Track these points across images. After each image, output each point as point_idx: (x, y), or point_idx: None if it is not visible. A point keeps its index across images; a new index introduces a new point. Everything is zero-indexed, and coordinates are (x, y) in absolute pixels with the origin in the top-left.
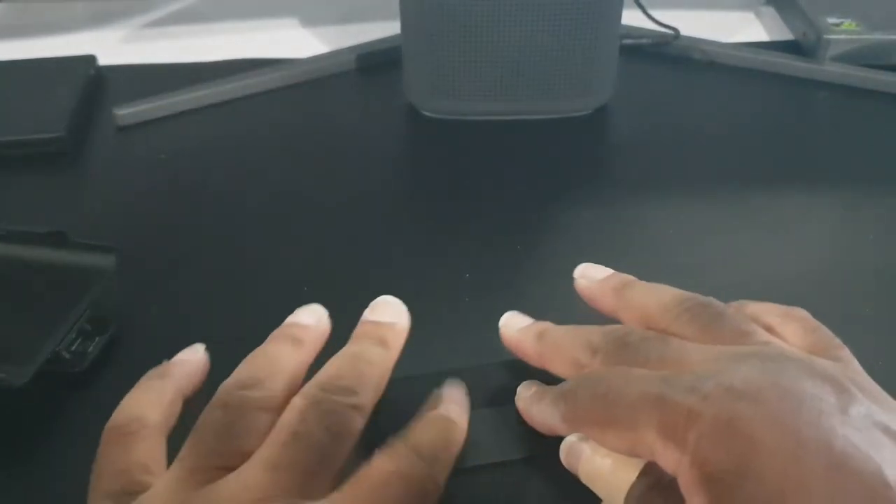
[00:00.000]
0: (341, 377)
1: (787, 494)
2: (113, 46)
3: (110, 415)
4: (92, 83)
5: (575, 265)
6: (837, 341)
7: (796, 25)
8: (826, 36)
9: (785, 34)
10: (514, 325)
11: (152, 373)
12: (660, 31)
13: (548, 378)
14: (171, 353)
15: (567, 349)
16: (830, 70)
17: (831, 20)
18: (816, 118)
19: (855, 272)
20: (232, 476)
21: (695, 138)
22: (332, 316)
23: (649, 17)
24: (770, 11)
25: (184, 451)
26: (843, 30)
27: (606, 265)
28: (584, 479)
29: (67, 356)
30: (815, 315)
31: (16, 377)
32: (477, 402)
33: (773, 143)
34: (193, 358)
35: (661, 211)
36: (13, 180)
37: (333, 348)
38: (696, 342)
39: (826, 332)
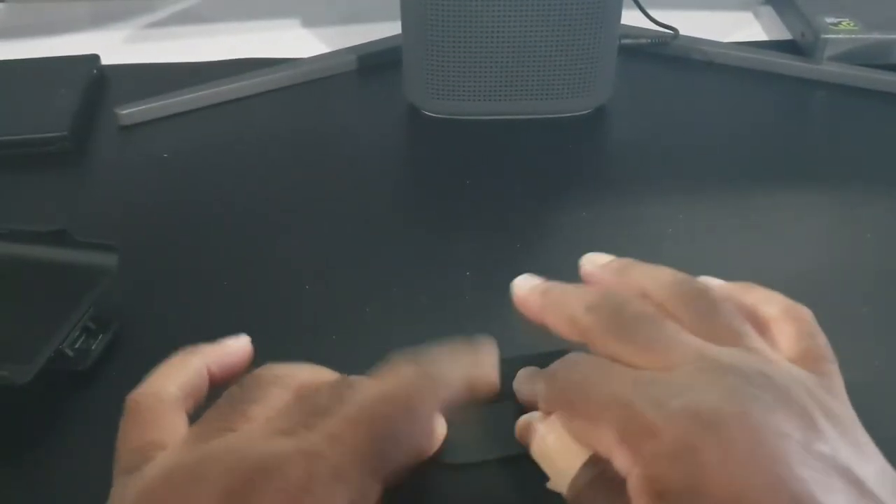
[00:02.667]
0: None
1: None
2: (116, 46)
3: (114, 412)
4: (95, 83)
5: (574, 264)
6: (829, 354)
7: (794, 25)
8: (824, 35)
9: (783, 34)
10: (525, 286)
11: (183, 350)
12: (659, 31)
13: None
14: (173, 351)
15: (566, 305)
16: (828, 69)
17: (829, 20)
18: (814, 118)
19: (853, 271)
20: (234, 433)
21: (693, 138)
22: (333, 314)
23: (648, 17)
24: (768, 11)
25: (198, 421)
26: (841, 29)
27: None
28: (535, 457)
29: (70, 354)
30: (813, 314)
31: (19, 375)
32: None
33: (771, 142)
34: (231, 341)
35: (659, 210)
36: (16, 179)
37: (337, 345)
38: (687, 330)
39: (821, 340)
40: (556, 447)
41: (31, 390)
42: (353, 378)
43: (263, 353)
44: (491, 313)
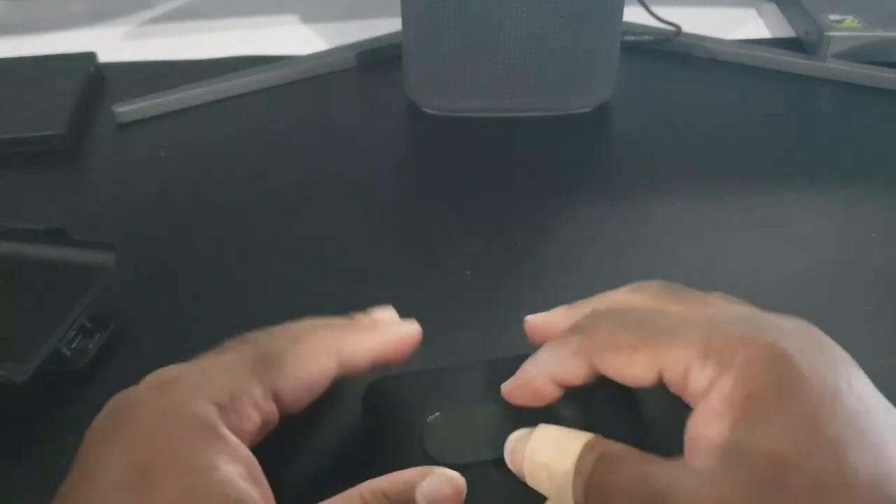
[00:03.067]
0: None
1: (821, 420)
2: (113, 43)
3: None
4: (92, 80)
5: (576, 261)
6: None
7: (798, 22)
8: (828, 33)
9: (787, 31)
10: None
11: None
12: (661, 28)
13: None
14: (171, 350)
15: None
16: (832, 67)
17: (833, 17)
18: (818, 115)
19: (857, 270)
20: None
21: (696, 135)
22: (334, 311)
23: (651, 13)
24: (772, 8)
25: None
26: (845, 27)
27: (607, 262)
28: (529, 480)
29: (67, 354)
30: (817, 312)
31: (16, 375)
32: (476, 399)
33: (774, 140)
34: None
35: (662, 208)
36: (13, 178)
37: None
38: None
39: None
40: (546, 456)
41: (28, 390)
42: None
43: None
44: (491, 312)
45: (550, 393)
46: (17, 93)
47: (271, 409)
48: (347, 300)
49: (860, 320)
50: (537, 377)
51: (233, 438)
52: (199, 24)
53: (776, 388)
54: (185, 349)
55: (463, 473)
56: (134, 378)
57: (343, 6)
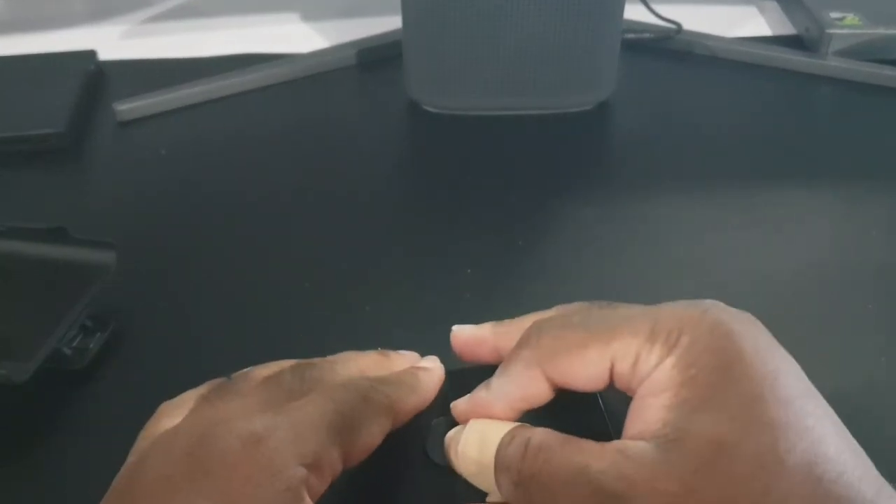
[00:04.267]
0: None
1: (760, 402)
2: (113, 42)
3: (112, 411)
4: (92, 79)
5: (576, 260)
6: None
7: (799, 20)
8: (829, 31)
9: (787, 29)
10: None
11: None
12: (662, 26)
13: None
14: (171, 350)
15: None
16: (833, 65)
17: (834, 15)
18: (819, 113)
19: (857, 268)
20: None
21: (697, 133)
22: (334, 310)
23: (652, 11)
24: (773, 6)
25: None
26: (846, 24)
27: (607, 260)
28: (470, 479)
29: (68, 353)
30: (818, 311)
31: (17, 374)
32: None
33: (775, 138)
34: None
35: (662, 206)
36: (13, 176)
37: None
38: None
39: None
40: (472, 450)
41: (29, 389)
42: (314, 360)
43: (262, 351)
44: (492, 311)
45: (506, 417)
46: (18, 91)
47: (340, 469)
48: (348, 299)
49: (861, 318)
50: (492, 404)
51: (309, 502)
52: (199, 23)
53: (718, 370)
54: (185, 348)
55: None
56: (134, 377)
57: (343, 4)
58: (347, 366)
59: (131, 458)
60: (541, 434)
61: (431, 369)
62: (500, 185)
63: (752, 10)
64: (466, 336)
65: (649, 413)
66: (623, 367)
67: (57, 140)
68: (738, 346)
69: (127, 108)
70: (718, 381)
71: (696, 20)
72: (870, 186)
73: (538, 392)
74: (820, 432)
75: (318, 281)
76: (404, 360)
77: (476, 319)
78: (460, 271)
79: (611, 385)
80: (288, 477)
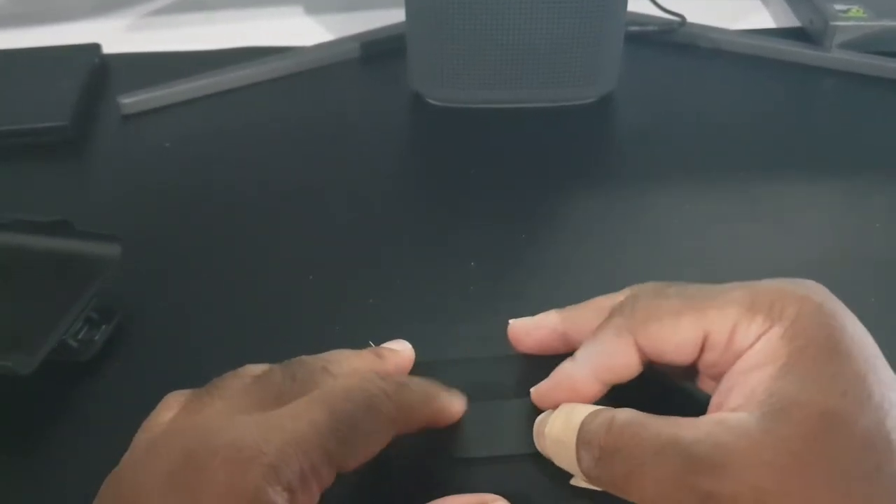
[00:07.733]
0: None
1: (868, 382)
2: (117, 35)
3: (117, 403)
4: (96, 72)
5: (579, 253)
6: None
7: (803, 12)
8: (833, 23)
9: (791, 21)
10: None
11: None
12: (665, 18)
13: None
14: (176, 342)
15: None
16: (837, 57)
17: (838, 7)
18: (823, 106)
19: (861, 261)
20: (198, 414)
21: (700, 126)
22: (337, 306)
23: (655, 3)
24: None
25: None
26: (850, 17)
27: (610, 253)
28: (555, 460)
29: (74, 345)
30: None
31: (22, 366)
32: (481, 394)
33: (778, 130)
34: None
35: (665, 199)
36: (18, 169)
37: (341, 337)
38: None
39: None
40: (558, 430)
41: (35, 381)
42: (304, 358)
43: (266, 346)
44: (496, 304)
45: (591, 391)
46: (22, 84)
47: (332, 480)
48: (351, 292)
49: (864, 312)
50: (577, 374)
51: None
52: (203, 16)
53: (827, 345)
54: (190, 340)
55: (470, 468)
56: (140, 369)
57: None
58: (342, 366)
59: (128, 453)
60: (627, 411)
61: (450, 394)
62: (504, 178)
63: (756, 3)
64: (530, 325)
65: (751, 384)
66: (719, 338)
67: (61, 133)
68: (844, 325)
69: (131, 101)
70: (828, 356)
71: (699, 12)
72: (874, 179)
73: (626, 363)
74: None
75: (321, 274)
76: (399, 358)
77: (481, 312)
78: (464, 264)
79: (693, 364)
80: (266, 502)
